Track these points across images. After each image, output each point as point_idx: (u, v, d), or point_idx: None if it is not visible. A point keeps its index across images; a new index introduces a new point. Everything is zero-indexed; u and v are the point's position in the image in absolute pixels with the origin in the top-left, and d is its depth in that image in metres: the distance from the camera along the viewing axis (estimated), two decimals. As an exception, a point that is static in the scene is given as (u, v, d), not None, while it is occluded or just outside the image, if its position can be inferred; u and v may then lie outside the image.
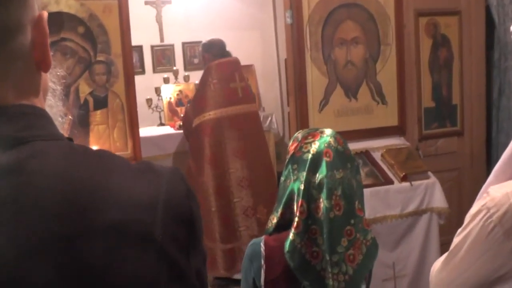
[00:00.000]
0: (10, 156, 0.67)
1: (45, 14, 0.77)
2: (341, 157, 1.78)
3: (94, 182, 0.70)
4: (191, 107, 4.53)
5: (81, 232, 0.66)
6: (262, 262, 1.77)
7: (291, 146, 1.85)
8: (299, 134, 1.88)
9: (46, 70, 0.78)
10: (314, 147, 1.78)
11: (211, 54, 4.47)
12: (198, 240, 0.79)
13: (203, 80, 4.42)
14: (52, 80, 0.84)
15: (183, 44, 6.93)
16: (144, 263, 0.69)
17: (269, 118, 6.36)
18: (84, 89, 3.35)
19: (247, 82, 4.55)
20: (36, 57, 0.75)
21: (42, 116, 0.75)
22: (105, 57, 3.36)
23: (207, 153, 4.21)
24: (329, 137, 1.80)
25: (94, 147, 0.81)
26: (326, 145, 1.77)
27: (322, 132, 1.83)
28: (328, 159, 1.75)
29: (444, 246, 3.09)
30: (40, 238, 0.64)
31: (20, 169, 0.67)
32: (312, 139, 1.80)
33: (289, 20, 3.70)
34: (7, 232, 0.64)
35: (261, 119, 6.50)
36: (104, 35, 3.36)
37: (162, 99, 6.00)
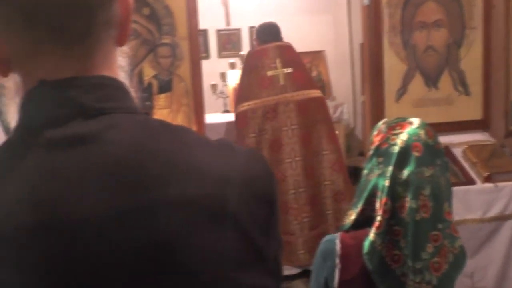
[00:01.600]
0: (89, 126, 0.70)
1: None
2: (431, 152, 1.67)
3: (170, 154, 0.71)
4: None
5: (154, 203, 0.67)
6: (337, 261, 1.69)
7: (376, 137, 1.75)
8: (383, 125, 1.77)
9: (122, 45, 0.80)
10: (402, 139, 1.67)
11: (259, 40, 4.37)
12: (277, 224, 0.78)
13: (242, 69, 4.36)
14: (121, 55, 0.85)
15: (250, 28, 6.94)
16: (220, 241, 0.69)
17: (340, 108, 6.26)
18: (148, 72, 3.38)
19: (301, 67, 4.29)
20: (119, 30, 0.78)
21: (121, 88, 0.77)
22: (170, 39, 3.37)
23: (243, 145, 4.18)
24: (419, 129, 1.69)
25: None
26: (415, 137, 1.67)
27: (410, 123, 1.72)
28: (417, 154, 1.65)
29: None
30: (113, 208, 0.66)
31: (97, 140, 0.69)
32: (399, 130, 1.71)
33: (366, 2, 3.60)
34: (77, 201, 0.66)
35: (331, 108, 6.39)
36: (169, 17, 3.38)
37: (227, 85, 6.03)
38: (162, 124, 0.77)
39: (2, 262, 0.64)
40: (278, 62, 4.16)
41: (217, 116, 5.66)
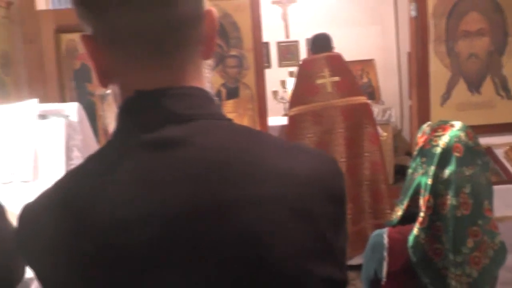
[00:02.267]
0: (180, 131, 0.71)
1: (215, 10, 0.79)
2: (471, 152, 1.62)
3: (253, 156, 0.71)
4: None
5: (238, 201, 0.67)
6: (385, 254, 1.67)
7: (420, 139, 1.71)
8: (427, 127, 1.73)
9: (208, 58, 0.81)
10: (444, 141, 1.63)
11: (311, 50, 4.31)
12: (345, 220, 0.78)
13: (296, 77, 4.30)
14: (205, 67, 0.86)
15: (307, 40, 6.93)
16: (297, 237, 0.68)
17: (388, 112, 6.17)
18: (217, 80, 3.44)
19: (348, 76, 4.18)
20: (206, 45, 0.78)
21: (208, 97, 0.78)
22: (237, 51, 3.43)
23: None
24: (459, 131, 1.64)
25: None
26: (456, 139, 1.62)
27: (452, 125, 1.67)
28: (457, 155, 1.60)
29: None
30: (201, 205, 0.66)
31: (187, 143, 0.70)
32: (441, 132, 1.66)
33: (413, 13, 3.53)
34: (173, 198, 0.67)
35: (380, 112, 6.29)
36: (236, 32, 3.43)
37: (287, 91, 6.05)
38: (244, 128, 0.78)
39: (107, 252, 0.66)
40: (326, 71, 4.08)
41: (278, 119, 5.68)
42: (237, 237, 0.66)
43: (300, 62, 4.35)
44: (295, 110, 4.11)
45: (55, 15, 3.21)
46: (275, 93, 5.94)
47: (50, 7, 3.47)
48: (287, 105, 5.98)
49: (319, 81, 4.06)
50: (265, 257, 0.66)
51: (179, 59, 0.75)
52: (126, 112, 0.75)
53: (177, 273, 0.65)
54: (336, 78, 4.07)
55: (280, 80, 6.09)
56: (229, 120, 0.78)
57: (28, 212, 0.73)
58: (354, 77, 4.51)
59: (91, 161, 0.75)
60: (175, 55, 0.74)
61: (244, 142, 0.74)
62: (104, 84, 0.78)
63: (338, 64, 4.15)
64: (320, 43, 4.25)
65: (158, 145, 0.70)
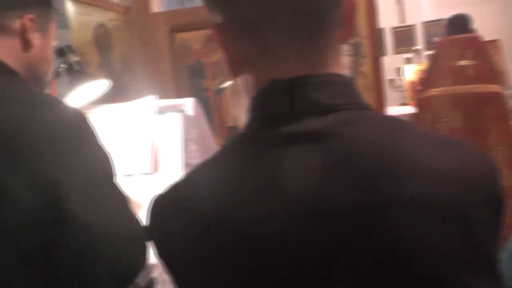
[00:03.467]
0: (323, 122, 0.65)
1: None
2: None
3: (404, 150, 0.63)
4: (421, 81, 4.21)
5: (389, 201, 0.60)
6: None
7: None
8: None
9: (345, 42, 0.74)
10: None
11: (449, 30, 4.07)
12: (502, 226, 0.67)
13: (432, 57, 4.11)
14: (342, 52, 0.79)
15: (425, 23, 6.65)
16: (450, 242, 0.60)
17: (514, 98, 5.73)
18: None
19: (487, 60, 3.92)
20: (344, 28, 0.71)
21: (350, 85, 0.71)
22: (354, 39, 3.31)
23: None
24: None
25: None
26: None
27: None
28: None
29: None
30: (349, 204, 0.60)
31: (332, 135, 0.64)
32: None
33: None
34: (316, 195, 0.61)
35: (505, 98, 5.87)
36: (352, 19, 3.33)
37: (404, 79, 5.84)
38: (391, 119, 0.70)
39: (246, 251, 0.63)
40: (467, 53, 3.84)
41: (395, 109, 5.47)
42: (380, 242, 0.59)
43: (438, 41, 4.15)
44: (429, 92, 3.92)
45: (169, 16, 3.34)
46: (391, 81, 5.76)
47: (163, 9, 3.63)
48: (404, 94, 5.77)
49: (460, 63, 3.84)
50: (411, 265, 0.59)
51: (317, 45, 0.69)
52: (260, 103, 0.70)
53: (312, 275, 0.61)
54: (477, 62, 3.83)
55: (395, 68, 5.90)
56: (374, 109, 0.71)
57: (159, 203, 0.73)
58: (493, 62, 4.26)
59: (222, 154, 0.72)
60: (312, 40, 0.69)
61: (395, 135, 0.66)
62: (235, 74, 0.75)
63: (479, 46, 3.91)
64: (460, 23, 4.04)
65: (302, 138, 0.64)
